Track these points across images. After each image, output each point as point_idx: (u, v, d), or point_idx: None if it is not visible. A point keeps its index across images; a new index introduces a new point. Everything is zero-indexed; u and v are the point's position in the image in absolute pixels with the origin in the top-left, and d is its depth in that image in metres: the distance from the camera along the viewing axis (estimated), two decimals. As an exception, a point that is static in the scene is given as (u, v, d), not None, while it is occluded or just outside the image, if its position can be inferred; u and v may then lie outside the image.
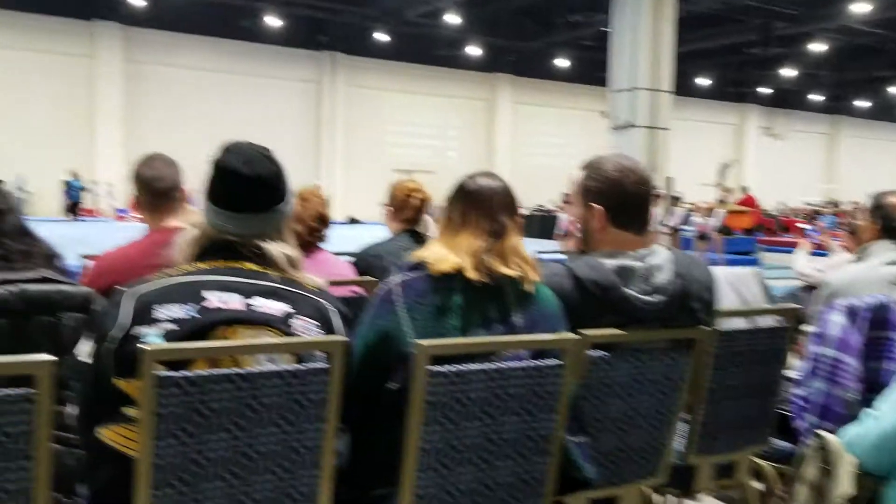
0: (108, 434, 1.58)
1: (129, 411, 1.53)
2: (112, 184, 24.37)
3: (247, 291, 1.66)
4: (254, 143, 1.77)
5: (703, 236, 16.31)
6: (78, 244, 5.65)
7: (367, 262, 3.18)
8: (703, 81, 32.10)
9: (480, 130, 32.55)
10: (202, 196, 1.76)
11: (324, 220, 3.01)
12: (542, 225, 20.30)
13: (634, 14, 13.80)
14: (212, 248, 1.72)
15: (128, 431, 1.54)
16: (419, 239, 3.29)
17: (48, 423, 1.39)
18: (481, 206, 1.91)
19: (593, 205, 2.10)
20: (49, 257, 2.27)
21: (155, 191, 2.59)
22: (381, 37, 27.12)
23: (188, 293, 1.62)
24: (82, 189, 20.71)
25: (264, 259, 1.71)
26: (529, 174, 30.98)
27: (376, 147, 30.24)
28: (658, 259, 2.08)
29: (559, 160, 32.90)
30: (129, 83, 25.62)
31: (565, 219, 12.53)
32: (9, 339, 2.05)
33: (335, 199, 26.71)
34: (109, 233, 17.27)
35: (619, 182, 2.09)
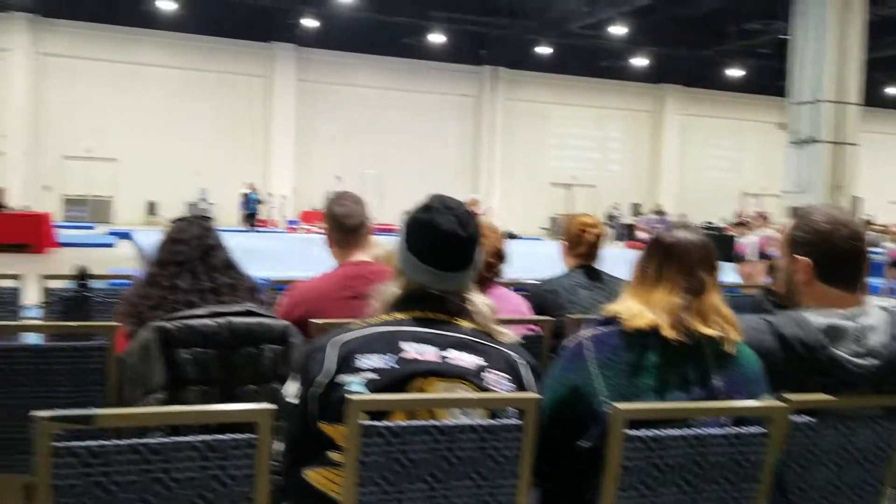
0: (314, 476, 1.65)
1: (333, 455, 1.60)
2: (285, 196, 25.97)
3: (441, 343, 1.69)
4: (452, 198, 1.80)
5: (895, 263, 14.94)
6: (255, 255, 6.06)
7: (542, 298, 3.16)
8: (894, 91, 29.53)
9: (645, 143, 31.71)
10: (400, 246, 1.80)
11: (501, 256, 3.03)
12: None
13: (818, 20, 12.91)
14: (409, 299, 1.76)
15: (332, 475, 1.61)
16: (594, 275, 3.24)
17: (267, 466, 1.49)
18: (678, 260, 1.85)
19: (799, 257, 1.98)
20: (252, 290, 2.42)
21: (345, 227, 2.71)
22: (543, 50, 27.14)
23: (387, 343, 1.67)
24: (259, 201, 22.18)
25: (462, 311, 1.74)
26: (698, 189, 29.89)
27: (535, 160, 30.22)
28: (872, 319, 1.91)
29: (731, 175, 31.47)
30: (300, 101, 27.22)
31: (744, 242, 11.77)
32: (216, 369, 2.22)
33: (493, 213, 26.94)
34: (282, 243, 18.54)
35: (828, 235, 1.95)
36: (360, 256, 2.69)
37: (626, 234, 24.20)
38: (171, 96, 25.75)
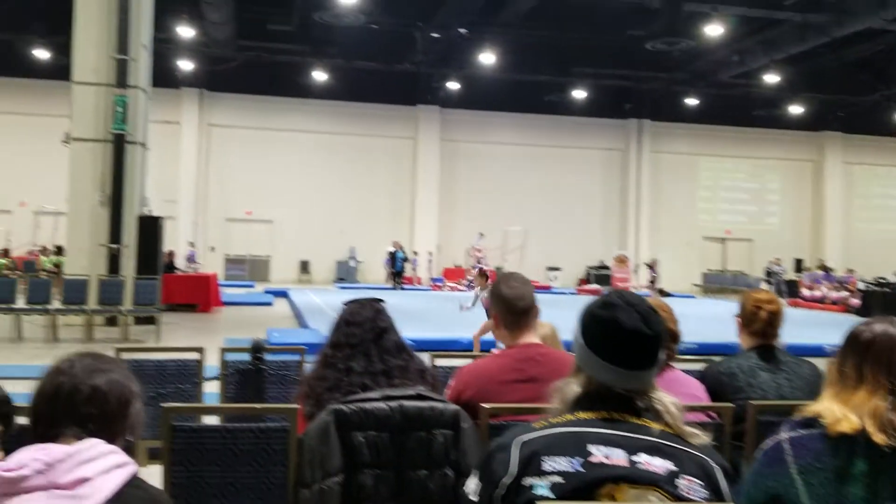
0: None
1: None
2: (431, 253, 26.53)
3: (631, 447, 1.59)
4: (633, 293, 1.73)
5: None
6: (402, 315, 6.15)
7: (719, 381, 2.97)
8: None
9: (805, 193, 30.05)
10: (578, 343, 1.74)
11: (675, 338, 2.89)
12: (884, 302, 17.89)
13: None
14: (593, 398, 1.69)
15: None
16: (773, 356, 3.02)
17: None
18: (879, 358, 1.69)
19: None
20: (422, 372, 2.44)
21: (516, 310, 2.66)
22: (691, 101, 26.51)
23: (573, 445, 1.60)
24: (405, 259, 22.72)
25: (649, 411, 1.65)
26: (866, 241, 27.88)
27: (684, 214, 29.31)
28: None
29: (903, 225, 29.15)
30: (443, 160, 27.95)
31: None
32: (389, 453, 2.22)
33: (641, 270, 26.25)
34: (428, 301, 18.85)
35: None
36: (529, 338, 2.64)
37: (788, 291, 22.75)
38: (322, 159, 27.21)
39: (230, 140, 26.77)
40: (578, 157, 28.98)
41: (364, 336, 2.34)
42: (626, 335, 1.64)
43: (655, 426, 1.64)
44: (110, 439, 1.49)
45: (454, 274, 25.61)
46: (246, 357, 4.45)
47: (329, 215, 27.03)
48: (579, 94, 26.13)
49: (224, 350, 4.50)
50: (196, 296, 16.10)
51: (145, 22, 13.67)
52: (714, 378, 3.01)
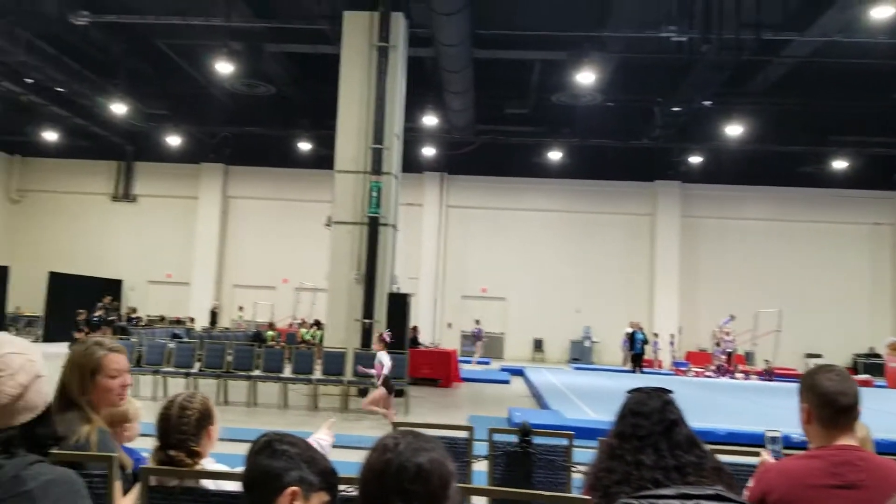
0: None
1: None
2: (672, 336, 25.20)
3: None
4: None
5: None
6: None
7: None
8: None
9: None
10: None
11: None
12: None
13: None
14: None
15: None
16: None
17: None
18: None
19: None
20: (718, 470, 2.22)
21: (837, 406, 2.33)
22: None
23: None
24: (644, 341, 21.69)
25: None
26: None
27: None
28: None
29: None
30: (684, 237, 26.76)
31: None
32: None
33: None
34: (670, 387, 17.57)
35: None
36: (847, 440, 2.32)
37: None
38: (556, 237, 27.24)
39: (467, 220, 27.74)
40: (839, 232, 26.41)
41: (652, 428, 2.21)
42: None
43: None
44: None
45: (699, 358, 24.01)
46: (512, 438, 4.52)
47: (563, 293, 26.82)
48: (839, 164, 23.94)
49: (492, 430, 4.56)
50: (438, 371, 16.46)
51: (398, 114, 14.65)
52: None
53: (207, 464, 2.65)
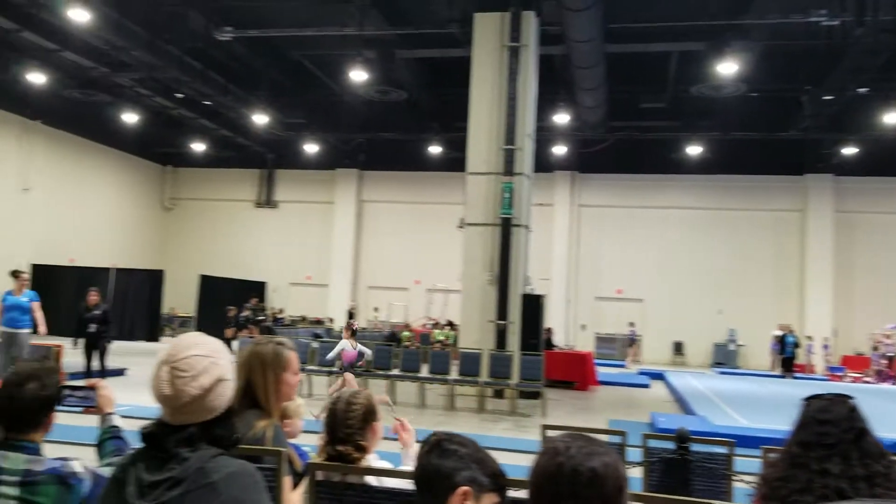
0: None
1: None
2: (826, 339, 23.62)
3: None
4: None
5: None
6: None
7: None
8: None
9: None
10: None
11: None
12: None
13: None
14: None
15: None
16: None
17: None
18: None
19: None
20: None
21: None
22: None
23: None
24: (796, 345, 20.39)
25: None
26: None
27: None
28: None
29: None
30: (837, 234, 25.02)
31: None
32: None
33: None
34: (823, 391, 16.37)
35: None
36: None
37: None
38: (695, 236, 26.15)
39: (600, 219, 27.14)
40: None
41: (842, 436, 2.05)
42: None
43: None
44: None
45: (857, 363, 22.34)
46: (669, 445, 4.43)
47: (704, 295, 25.70)
48: None
49: (647, 436, 4.47)
50: (573, 373, 16.16)
51: (530, 114, 14.51)
52: None
53: (372, 460, 2.65)
